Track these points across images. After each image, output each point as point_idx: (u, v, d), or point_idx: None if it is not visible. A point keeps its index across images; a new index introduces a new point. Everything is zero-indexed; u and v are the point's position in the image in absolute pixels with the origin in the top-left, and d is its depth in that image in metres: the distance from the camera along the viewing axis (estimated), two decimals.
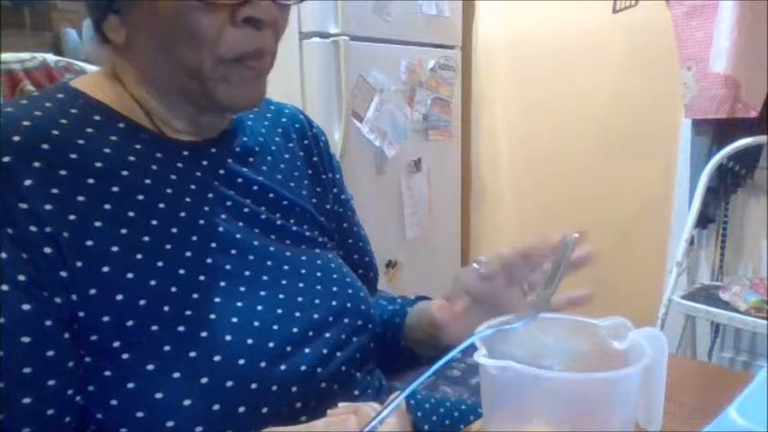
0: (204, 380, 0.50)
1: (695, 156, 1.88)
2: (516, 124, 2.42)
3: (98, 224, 0.51)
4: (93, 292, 0.49)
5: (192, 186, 0.58)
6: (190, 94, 0.57)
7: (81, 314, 0.49)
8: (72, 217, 0.49)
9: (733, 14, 1.61)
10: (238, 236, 0.59)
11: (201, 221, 0.57)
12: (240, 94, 0.57)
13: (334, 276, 0.65)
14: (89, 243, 0.50)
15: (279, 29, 0.58)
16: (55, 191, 0.49)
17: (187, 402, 0.49)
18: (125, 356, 0.49)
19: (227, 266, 0.57)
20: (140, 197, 0.54)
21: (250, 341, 0.54)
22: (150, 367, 0.49)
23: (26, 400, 0.45)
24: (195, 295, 0.53)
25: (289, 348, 0.56)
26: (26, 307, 0.46)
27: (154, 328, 0.50)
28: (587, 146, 2.22)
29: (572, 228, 0.55)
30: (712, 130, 1.82)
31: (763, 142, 1.70)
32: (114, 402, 0.49)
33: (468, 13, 2.41)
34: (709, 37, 1.69)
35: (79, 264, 0.49)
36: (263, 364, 0.53)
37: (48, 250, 0.48)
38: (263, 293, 0.58)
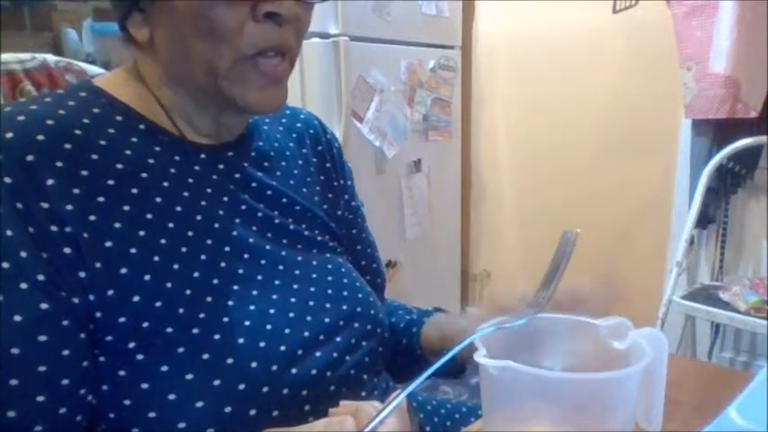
0: (217, 382, 0.51)
1: (695, 156, 1.88)
2: (516, 124, 2.42)
3: (117, 225, 0.51)
4: (110, 292, 0.49)
5: (209, 190, 0.59)
6: (209, 93, 0.57)
7: (98, 314, 0.49)
8: (92, 218, 0.50)
9: (733, 14, 1.61)
10: (251, 240, 0.59)
11: (216, 225, 0.57)
12: (258, 98, 0.56)
13: (345, 281, 0.65)
14: (108, 244, 0.50)
15: (301, 27, 0.57)
16: (76, 191, 0.49)
17: (199, 404, 0.50)
18: (140, 357, 0.50)
19: (240, 270, 0.57)
20: (158, 200, 0.54)
21: (262, 344, 0.54)
22: (164, 368, 0.50)
23: (39, 398, 0.45)
24: (209, 298, 0.53)
25: (300, 352, 0.56)
26: (44, 306, 0.46)
27: (169, 329, 0.51)
28: (587, 146, 2.22)
29: (568, 227, 0.55)
30: (712, 130, 1.82)
31: (763, 142, 1.70)
32: (127, 402, 0.49)
33: (468, 13, 2.41)
34: (709, 37, 1.69)
35: (98, 264, 0.49)
36: (274, 368, 0.54)
37: (67, 250, 0.48)
38: (275, 297, 0.58)
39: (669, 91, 1.92)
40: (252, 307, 0.55)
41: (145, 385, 0.49)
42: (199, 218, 0.56)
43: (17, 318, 0.45)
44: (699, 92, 1.76)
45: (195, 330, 0.51)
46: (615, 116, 2.13)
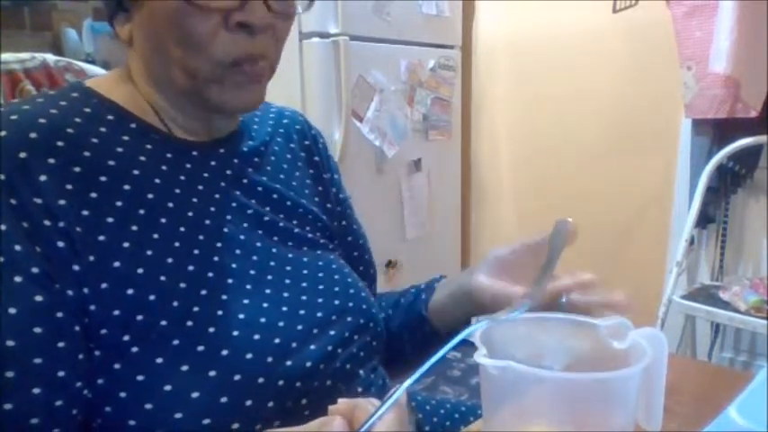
0: (212, 373, 0.51)
1: (695, 156, 1.88)
2: (516, 124, 2.42)
3: (110, 220, 0.52)
4: (104, 286, 0.50)
5: (200, 187, 0.59)
6: (187, 94, 0.57)
7: (92, 307, 0.49)
8: (85, 212, 0.50)
9: (733, 14, 1.61)
10: (242, 237, 0.60)
11: (207, 222, 0.58)
12: (234, 96, 0.57)
13: (336, 277, 0.66)
14: (101, 238, 0.50)
15: (278, 35, 0.58)
16: (69, 187, 0.50)
17: (195, 395, 0.50)
18: (134, 350, 0.50)
19: (233, 265, 0.58)
20: (150, 196, 0.55)
21: (257, 336, 0.54)
22: (159, 360, 0.50)
23: (35, 391, 0.45)
24: (203, 291, 0.54)
25: (294, 345, 0.57)
26: (38, 298, 0.47)
27: (163, 322, 0.51)
28: (587, 146, 2.22)
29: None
30: (712, 130, 1.82)
31: (763, 142, 1.70)
32: (123, 395, 0.50)
33: (468, 13, 2.41)
34: (709, 37, 1.69)
35: (91, 258, 0.49)
36: (269, 359, 0.54)
37: (61, 244, 0.48)
38: (267, 292, 0.58)
39: (669, 91, 1.92)
40: (246, 300, 0.56)
41: (140, 377, 0.50)
42: (190, 214, 0.57)
43: (12, 310, 0.45)
44: (699, 91, 1.76)
45: (189, 323, 0.52)
46: (615, 116, 2.13)
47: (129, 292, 0.50)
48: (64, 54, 1.80)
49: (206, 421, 0.50)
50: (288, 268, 0.62)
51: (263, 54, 0.56)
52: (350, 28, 1.90)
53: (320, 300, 0.62)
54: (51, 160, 0.50)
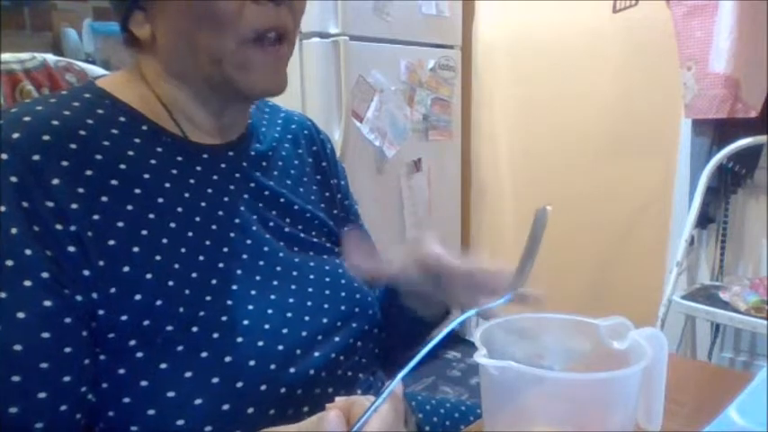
0: (215, 380, 0.51)
1: (695, 156, 1.88)
2: (516, 124, 2.42)
3: (120, 225, 0.51)
4: (113, 291, 0.50)
5: (209, 190, 0.59)
6: (213, 83, 0.57)
7: (101, 312, 0.49)
8: (96, 217, 0.50)
9: (733, 14, 1.61)
10: (249, 242, 0.60)
11: (214, 227, 0.58)
12: (260, 79, 0.57)
13: (342, 282, 0.66)
14: (111, 243, 0.50)
15: (296, 8, 0.58)
16: (81, 190, 0.50)
17: (198, 401, 0.50)
18: (139, 355, 0.50)
19: (239, 271, 0.57)
20: (160, 200, 0.55)
21: (261, 343, 0.54)
22: (163, 366, 0.50)
23: (41, 395, 0.46)
24: (208, 298, 0.54)
25: (298, 352, 0.57)
26: (47, 303, 0.47)
27: (169, 328, 0.51)
28: (587, 146, 2.22)
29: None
30: (712, 130, 1.82)
31: (763, 142, 1.70)
32: (127, 400, 0.50)
33: (468, 13, 2.41)
34: (709, 37, 1.69)
35: (101, 263, 0.49)
36: (272, 367, 0.54)
37: (72, 249, 0.48)
38: (273, 298, 0.58)
39: (669, 91, 1.92)
40: (250, 307, 0.56)
41: (144, 383, 0.50)
42: (198, 219, 0.57)
43: (20, 315, 0.45)
44: (699, 92, 1.76)
45: (194, 329, 0.52)
46: (615, 116, 2.13)
47: (138, 297, 0.50)
48: (64, 54, 1.80)
49: (208, 428, 0.50)
50: (294, 273, 0.62)
51: (286, 27, 0.56)
52: (350, 28, 1.90)
53: (326, 305, 0.62)
54: (64, 163, 0.50)
